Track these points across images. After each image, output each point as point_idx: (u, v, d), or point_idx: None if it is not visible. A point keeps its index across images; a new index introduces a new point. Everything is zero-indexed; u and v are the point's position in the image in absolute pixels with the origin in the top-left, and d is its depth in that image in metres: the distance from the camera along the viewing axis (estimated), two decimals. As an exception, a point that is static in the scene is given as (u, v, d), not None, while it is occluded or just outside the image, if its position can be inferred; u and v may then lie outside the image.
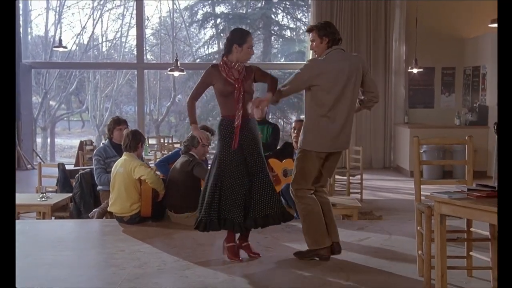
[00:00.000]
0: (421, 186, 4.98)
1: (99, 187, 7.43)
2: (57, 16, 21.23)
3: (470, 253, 4.87)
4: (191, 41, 22.56)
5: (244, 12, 21.05)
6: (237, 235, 5.51)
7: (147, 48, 21.13)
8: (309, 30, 5.52)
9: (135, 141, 6.93)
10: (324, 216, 5.44)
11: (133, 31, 19.31)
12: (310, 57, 14.55)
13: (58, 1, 20.99)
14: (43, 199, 7.31)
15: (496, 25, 8.58)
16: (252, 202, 5.33)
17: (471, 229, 4.84)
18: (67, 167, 8.67)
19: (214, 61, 5.50)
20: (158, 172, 7.73)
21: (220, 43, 21.04)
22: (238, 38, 5.41)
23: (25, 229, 6.72)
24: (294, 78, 5.37)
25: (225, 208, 5.28)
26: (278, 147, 8.03)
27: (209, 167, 5.59)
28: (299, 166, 5.43)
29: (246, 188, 5.31)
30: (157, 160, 8.66)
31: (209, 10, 21.18)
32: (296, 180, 5.45)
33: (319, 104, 5.31)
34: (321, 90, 5.28)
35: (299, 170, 5.43)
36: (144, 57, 16.67)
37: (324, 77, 5.26)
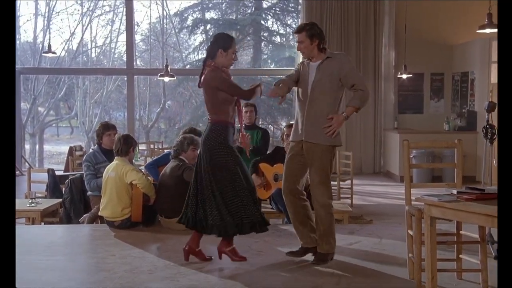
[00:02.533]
0: (411, 190, 5.01)
1: (89, 192, 7.41)
2: (46, 22, 21.17)
3: (460, 255, 4.90)
4: (181, 47, 22.56)
5: (234, 18, 21.09)
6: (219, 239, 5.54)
7: (137, 54, 21.10)
8: (298, 31, 5.47)
9: (127, 145, 6.93)
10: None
11: (123, 37, 19.36)
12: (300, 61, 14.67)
13: (47, 7, 20.94)
14: (33, 204, 7.27)
15: (484, 31, 8.69)
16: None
17: (460, 232, 4.87)
18: (57, 172, 8.63)
19: (212, 64, 5.40)
20: (149, 177, 7.73)
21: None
22: (223, 42, 5.40)
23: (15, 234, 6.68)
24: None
25: (251, 211, 5.33)
26: (268, 152, 8.03)
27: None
28: (328, 165, 5.44)
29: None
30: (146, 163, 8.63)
31: (199, 16, 21.20)
32: (327, 183, 5.46)
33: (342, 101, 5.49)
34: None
35: (327, 169, 5.44)
36: (134, 63, 16.67)
37: None
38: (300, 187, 5.57)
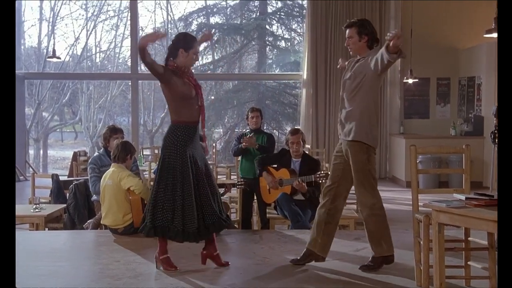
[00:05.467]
0: (418, 195, 4.96)
1: (93, 198, 7.37)
2: (50, 27, 21.15)
3: (468, 262, 4.84)
4: (185, 51, 22.46)
5: (239, 22, 21.06)
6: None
7: (141, 59, 21.05)
8: (349, 26, 5.42)
9: (124, 152, 6.86)
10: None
11: (127, 42, 19.32)
12: (305, 68, 14.63)
13: (52, 12, 20.95)
14: (37, 210, 7.23)
15: (491, 35, 8.62)
16: (203, 210, 5.27)
17: (469, 238, 4.81)
18: (61, 178, 8.60)
19: (174, 65, 5.35)
20: (152, 183, 7.68)
21: (215, 54, 21.04)
22: (184, 42, 5.32)
23: (18, 240, 6.63)
24: None
25: (187, 218, 5.20)
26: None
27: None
28: (370, 168, 5.36)
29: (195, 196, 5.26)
30: (153, 170, 8.61)
31: (203, 21, 21.17)
32: (374, 187, 5.37)
33: (376, 98, 5.42)
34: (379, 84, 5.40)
35: (371, 172, 5.36)
36: (138, 68, 16.64)
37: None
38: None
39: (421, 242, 4.68)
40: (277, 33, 21.05)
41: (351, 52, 5.49)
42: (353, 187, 5.45)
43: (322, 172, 7.10)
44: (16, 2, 18.90)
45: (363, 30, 5.35)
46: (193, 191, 5.22)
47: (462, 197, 4.22)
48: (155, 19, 23.32)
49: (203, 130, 5.52)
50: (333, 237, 5.52)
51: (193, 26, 21.11)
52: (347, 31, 5.43)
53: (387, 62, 5.01)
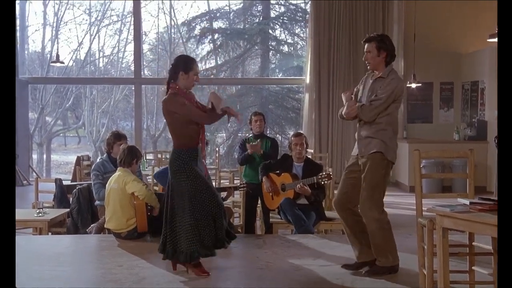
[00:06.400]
0: (422, 200, 4.94)
1: (97, 202, 7.36)
2: (54, 32, 21.19)
3: (473, 267, 4.82)
4: (188, 56, 22.47)
5: (242, 27, 21.07)
6: None
7: (144, 63, 21.09)
8: (368, 41, 5.43)
9: (131, 156, 6.85)
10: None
11: (130, 47, 19.32)
12: (308, 72, 14.62)
13: (55, 17, 20.99)
14: (40, 214, 7.23)
15: (494, 39, 8.61)
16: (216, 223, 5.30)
17: (473, 243, 4.79)
18: (64, 182, 8.59)
19: (176, 87, 5.39)
20: (156, 187, 7.69)
21: (218, 58, 21.03)
22: (183, 65, 5.38)
23: (22, 244, 6.64)
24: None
25: (205, 234, 5.24)
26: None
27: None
28: (384, 184, 5.42)
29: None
30: (155, 172, 8.59)
31: (206, 26, 21.18)
32: (382, 203, 5.41)
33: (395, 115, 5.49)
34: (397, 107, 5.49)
35: (384, 188, 5.42)
36: (142, 73, 16.64)
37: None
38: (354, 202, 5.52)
39: (425, 247, 4.66)
40: (280, 38, 21.06)
41: (368, 67, 5.50)
42: None
43: (324, 173, 7.09)
44: (20, 7, 18.96)
45: (382, 45, 5.36)
46: (208, 205, 5.25)
47: (466, 201, 4.20)
48: (158, 24, 23.32)
49: (203, 151, 5.54)
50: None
51: (196, 31, 21.14)
52: (366, 46, 5.43)
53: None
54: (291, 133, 19.56)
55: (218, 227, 5.23)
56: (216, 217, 5.23)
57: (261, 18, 20.91)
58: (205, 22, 21.23)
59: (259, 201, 7.85)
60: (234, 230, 5.62)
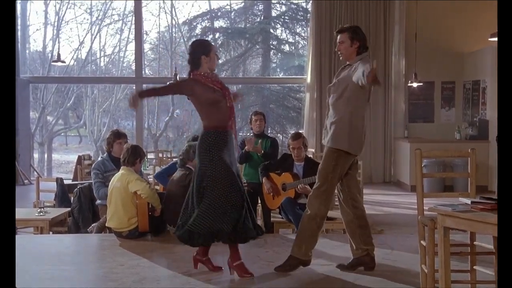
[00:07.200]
0: (423, 199, 4.93)
1: (98, 201, 7.36)
2: (55, 31, 21.21)
3: (474, 267, 4.81)
4: (189, 55, 22.44)
5: (243, 26, 21.07)
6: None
7: (146, 63, 21.09)
8: (341, 31, 5.44)
9: (134, 156, 6.85)
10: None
11: (132, 46, 19.30)
12: (309, 72, 14.63)
13: (57, 16, 21.00)
14: (41, 213, 7.23)
15: (496, 39, 8.60)
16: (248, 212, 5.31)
17: (474, 242, 4.79)
18: (65, 181, 8.59)
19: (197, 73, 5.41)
20: (157, 187, 7.67)
21: (219, 58, 21.00)
22: (203, 48, 5.37)
23: (23, 243, 6.64)
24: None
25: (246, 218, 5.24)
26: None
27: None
28: (332, 177, 5.39)
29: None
30: (156, 172, 8.60)
31: (208, 25, 21.19)
32: (328, 197, 5.43)
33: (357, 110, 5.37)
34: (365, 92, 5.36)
35: (332, 181, 5.40)
36: (143, 72, 16.62)
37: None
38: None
39: (427, 246, 4.66)
40: (281, 37, 21.06)
41: (341, 58, 5.52)
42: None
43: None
44: (22, 6, 18.96)
45: (355, 36, 5.38)
46: (228, 193, 5.19)
47: (468, 201, 4.19)
48: (159, 23, 23.30)
49: (234, 132, 5.44)
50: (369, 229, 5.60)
51: (197, 30, 21.14)
52: (339, 36, 5.46)
53: (362, 85, 5.13)
54: (292, 132, 19.63)
55: (233, 217, 5.14)
56: (235, 205, 5.16)
57: (262, 17, 20.92)
58: (206, 21, 21.23)
59: (259, 201, 7.85)
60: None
